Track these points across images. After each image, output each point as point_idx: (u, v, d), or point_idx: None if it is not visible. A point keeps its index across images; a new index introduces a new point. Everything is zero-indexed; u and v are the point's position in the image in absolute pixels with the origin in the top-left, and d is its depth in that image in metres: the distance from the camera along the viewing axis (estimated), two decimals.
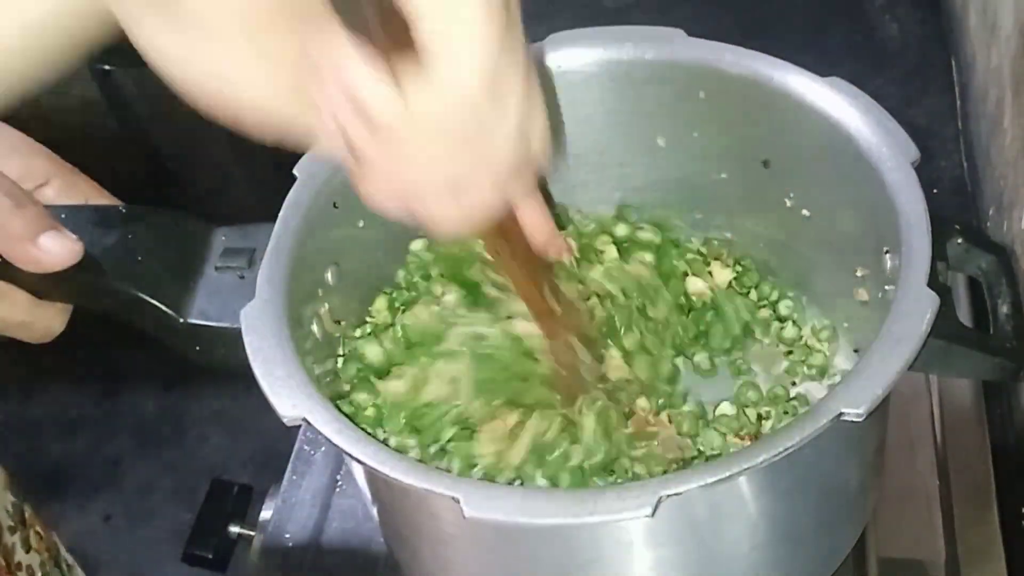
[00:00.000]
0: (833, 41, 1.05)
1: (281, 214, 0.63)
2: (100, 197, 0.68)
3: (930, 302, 0.55)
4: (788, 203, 0.69)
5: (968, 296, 0.77)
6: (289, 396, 0.55)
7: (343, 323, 0.68)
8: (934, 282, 0.56)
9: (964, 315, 0.76)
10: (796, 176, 0.68)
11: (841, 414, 0.51)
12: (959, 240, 0.65)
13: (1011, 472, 0.73)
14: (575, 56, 0.68)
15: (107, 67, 1.29)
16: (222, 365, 0.65)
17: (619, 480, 0.64)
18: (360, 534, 0.73)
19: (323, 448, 0.79)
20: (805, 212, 0.69)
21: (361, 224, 0.67)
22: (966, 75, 0.96)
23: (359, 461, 0.54)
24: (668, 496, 0.49)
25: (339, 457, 0.78)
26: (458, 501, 0.50)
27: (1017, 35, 0.78)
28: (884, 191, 0.60)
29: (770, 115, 0.66)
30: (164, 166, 1.63)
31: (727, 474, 0.50)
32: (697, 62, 0.67)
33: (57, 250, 0.61)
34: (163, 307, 0.62)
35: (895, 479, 0.71)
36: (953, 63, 1.01)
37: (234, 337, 0.58)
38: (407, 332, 0.67)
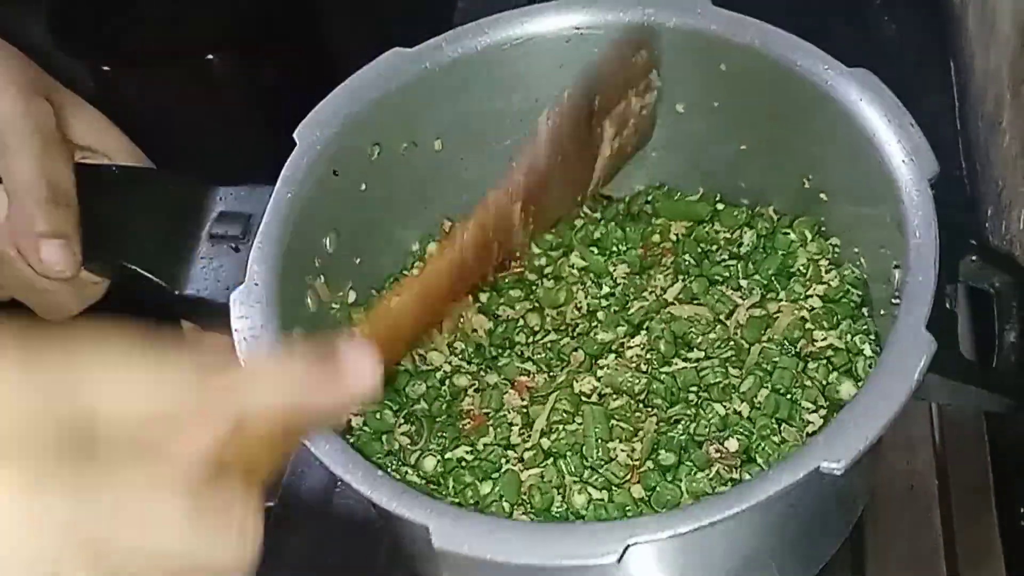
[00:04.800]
0: (832, 41, 1.05)
1: (276, 188, 0.63)
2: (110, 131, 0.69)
3: (925, 347, 0.52)
4: (807, 184, 0.68)
5: (967, 302, 0.77)
6: None
7: (341, 292, 0.67)
8: (939, 309, 0.53)
9: (963, 318, 0.75)
10: (815, 161, 0.66)
11: (819, 468, 0.49)
12: (974, 257, 0.62)
13: (1010, 472, 0.73)
14: (593, 17, 0.67)
15: (106, 67, 1.29)
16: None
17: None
18: (360, 534, 0.73)
19: None
20: (823, 195, 0.67)
21: (363, 187, 0.67)
22: (965, 76, 0.96)
23: (332, 472, 0.53)
24: (636, 544, 0.49)
25: None
26: (428, 531, 0.50)
27: (1016, 36, 0.78)
28: (898, 202, 0.58)
29: (792, 99, 0.64)
30: (161, 165, 1.62)
31: (696, 525, 0.49)
32: (719, 34, 0.65)
33: (56, 259, 0.62)
34: (156, 279, 0.62)
35: (893, 479, 0.71)
36: (952, 64, 1.01)
37: (227, 314, 0.58)
38: None
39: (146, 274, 0.62)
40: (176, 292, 0.62)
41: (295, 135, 0.64)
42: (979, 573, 0.67)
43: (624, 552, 0.48)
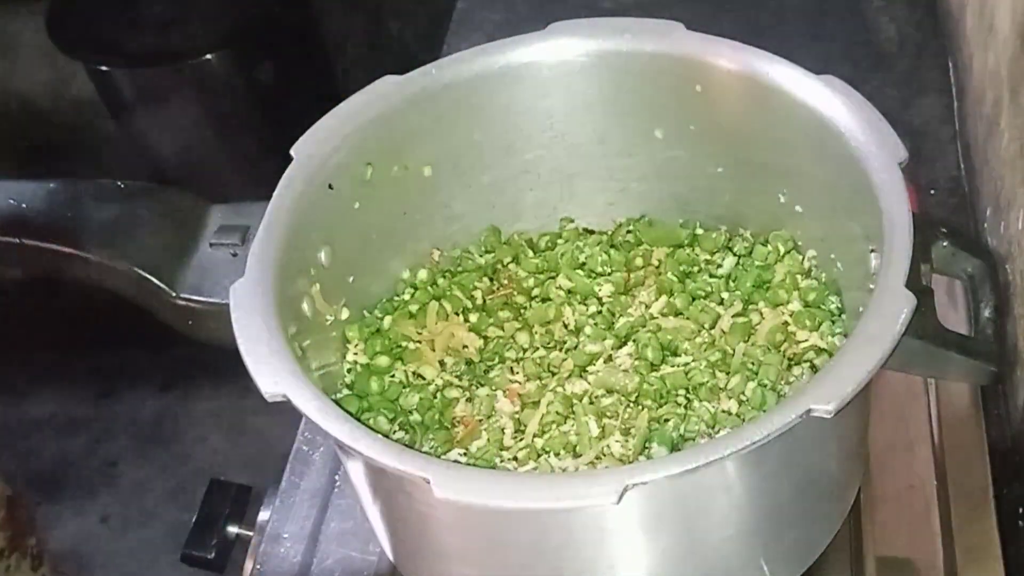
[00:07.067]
0: (831, 42, 1.06)
1: (276, 192, 0.64)
2: None
3: (906, 302, 0.54)
4: (782, 199, 0.69)
5: (964, 300, 0.77)
6: (271, 373, 0.55)
7: (335, 305, 0.68)
8: (915, 283, 0.55)
9: (960, 320, 0.75)
10: (789, 173, 0.68)
11: (810, 410, 0.51)
12: (945, 243, 0.65)
13: (1008, 473, 0.73)
14: (574, 46, 0.69)
15: (104, 67, 1.29)
16: (212, 340, 0.66)
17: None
18: (358, 534, 0.73)
19: (321, 449, 0.79)
20: (798, 208, 0.69)
21: (356, 206, 0.68)
22: (963, 76, 0.96)
23: (336, 439, 0.54)
24: (634, 485, 0.50)
25: (337, 457, 0.78)
26: (428, 482, 0.51)
27: (1014, 37, 0.78)
28: (870, 190, 0.59)
29: (764, 111, 0.66)
30: (161, 166, 1.63)
31: (693, 465, 0.50)
32: (694, 55, 0.67)
33: None
34: (157, 281, 0.64)
35: (893, 479, 0.71)
36: (950, 64, 1.01)
37: (225, 313, 0.59)
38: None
39: (148, 276, 0.64)
40: (174, 295, 0.63)
41: (292, 151, 0.66)
42: (978, 573, 0.67)
43: (623, 494, 0.49)
